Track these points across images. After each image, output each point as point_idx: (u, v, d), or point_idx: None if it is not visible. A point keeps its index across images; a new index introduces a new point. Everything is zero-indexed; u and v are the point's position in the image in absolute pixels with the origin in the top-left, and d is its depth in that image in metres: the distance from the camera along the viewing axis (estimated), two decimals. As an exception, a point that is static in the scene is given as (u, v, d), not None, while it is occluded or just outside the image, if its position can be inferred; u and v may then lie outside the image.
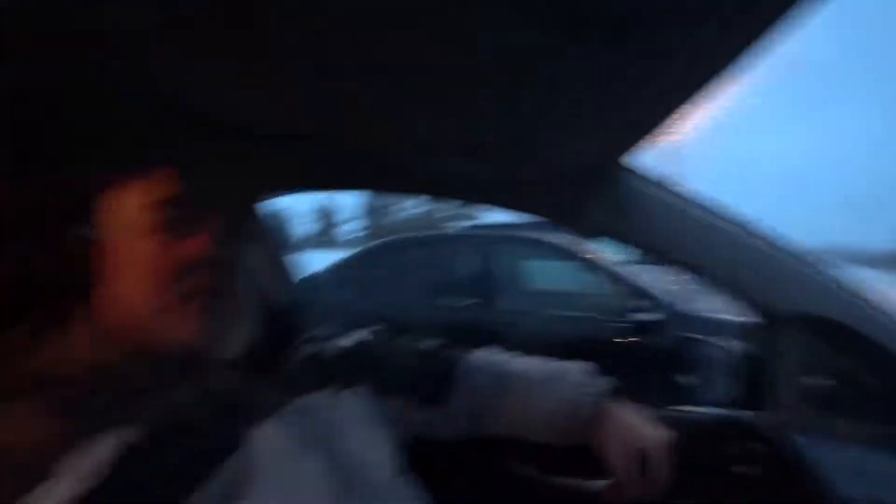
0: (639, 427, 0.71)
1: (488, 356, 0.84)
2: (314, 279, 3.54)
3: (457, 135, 0.74)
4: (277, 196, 1.18)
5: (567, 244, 3.08)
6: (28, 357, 0.50)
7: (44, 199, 0.57)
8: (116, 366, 0.51)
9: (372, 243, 3.98)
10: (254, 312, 0.68)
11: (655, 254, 0.85)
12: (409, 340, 0.87)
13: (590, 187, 0.83)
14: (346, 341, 0.79)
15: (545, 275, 3.50)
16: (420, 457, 0.74)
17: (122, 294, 0.53)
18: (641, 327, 2.67)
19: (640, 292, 2.81)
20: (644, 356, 2.61)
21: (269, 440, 0.53)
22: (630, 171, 0.83)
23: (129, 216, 0.55)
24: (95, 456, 0.43)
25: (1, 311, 0.51)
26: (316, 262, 3.71)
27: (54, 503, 0.39)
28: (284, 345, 0.69)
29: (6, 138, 0.53)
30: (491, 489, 0.98)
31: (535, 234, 3.19)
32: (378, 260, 3.61)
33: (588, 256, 3.08)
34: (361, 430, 0.65)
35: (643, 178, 0.83)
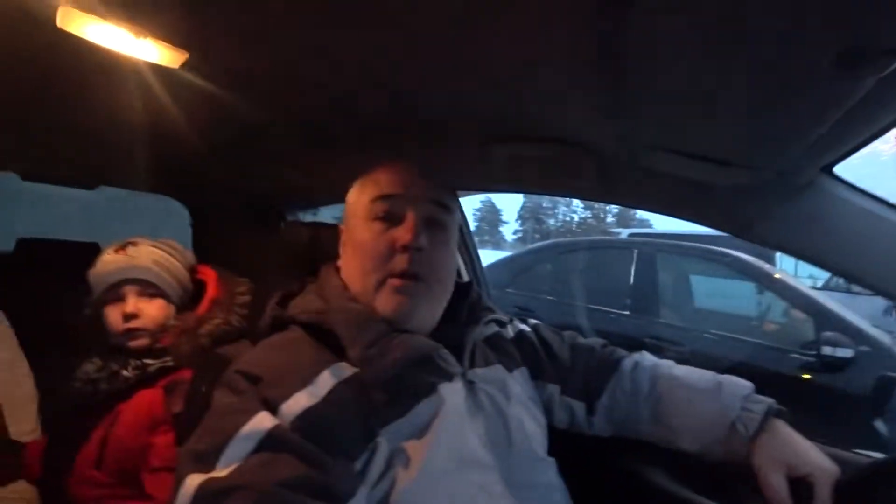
0: (805, 453, 0.64)
1: (649, 358, 0.85)
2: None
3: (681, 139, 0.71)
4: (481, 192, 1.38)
5: (750, 261, 2.79)
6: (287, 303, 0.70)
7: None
8: (340, 318, 0.63)
9: (541, 243, 4.12)
10: (446, 294, 0.71)
11: (860, 278, 0.71)
12: (571, 336, 0.90)
13: (785, 196, 0.73)
14: (515, 329, 0.86)
15: (719, 291, 3.22)
16: (560, 445, 0.78)
17: (346, 266, 0.69)
18: (833, 364, 2.27)
19: (835, 322, 2.41)
20: (829, 397, 2.25)
21: (451, 394, 0.64)
22: (835, 180, 0.72)
23: (358, 206, 0.70)
24: (322, 383, 0.57)
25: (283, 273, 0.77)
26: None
27: (298, 408, 0.53)
28: (470, 323, 0.74)
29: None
30: (618, 491, 0.94)
31: (714, 248, 2.93)
32: (545, 259, 3.67)
33: (775, 276, 2.75)
34: (524, 406, 0.73)
35: (850, 189, 0.72)
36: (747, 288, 2.91)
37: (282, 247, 0.99)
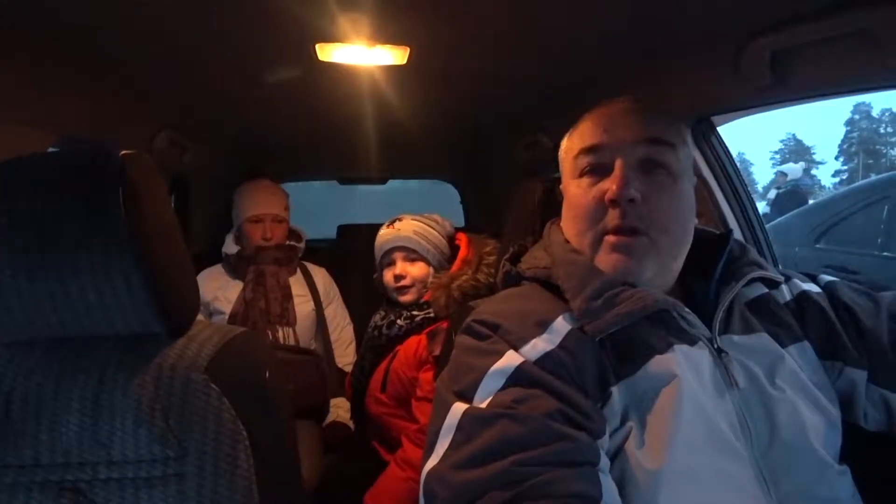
0: None
1: None
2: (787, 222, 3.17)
3: None
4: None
5: None
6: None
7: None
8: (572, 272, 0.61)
9: (870, 179, 3.10)
10: (679, 245, 0.63)
11: None
12: (893, 299, 0.65)
13: None
14: (796, 289, 0.68)
15: None
16: (870, 452, 0.60)
17: (564, 223, 0.66)
18: None
19: None
20: None
21: (690, 360, 0.55)
22: None
23: (566, 162, 0.67)
24: (558, 329, 0.56)
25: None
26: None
27: (536, 353, 0.53)
28: (725, 281, 0.64)
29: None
30: None
31: None
32: (879, 201, 2.70)
33: None
34: (802, 390, 0.57)
35: None
36: None
37: (521, 205, 1.05)
